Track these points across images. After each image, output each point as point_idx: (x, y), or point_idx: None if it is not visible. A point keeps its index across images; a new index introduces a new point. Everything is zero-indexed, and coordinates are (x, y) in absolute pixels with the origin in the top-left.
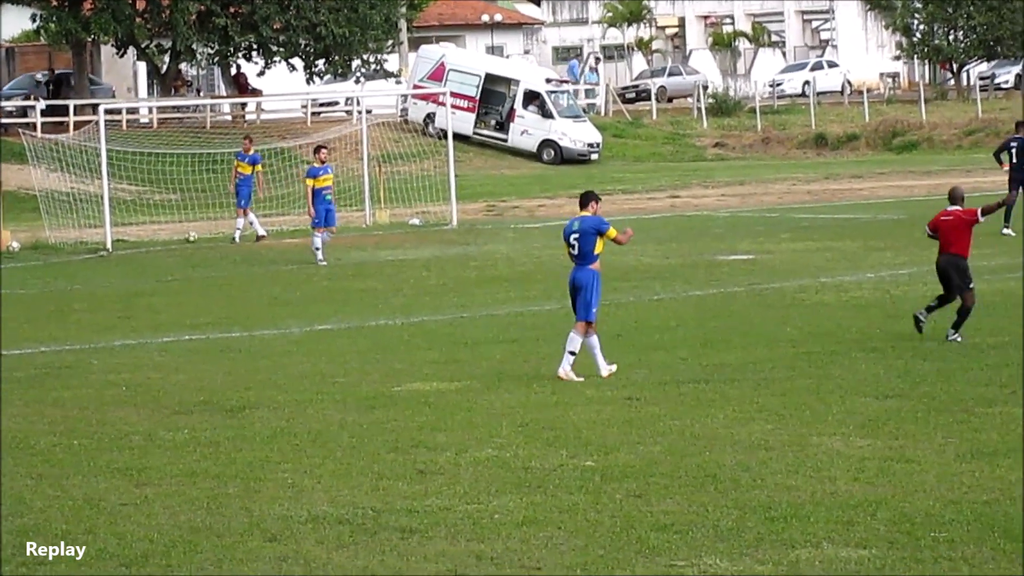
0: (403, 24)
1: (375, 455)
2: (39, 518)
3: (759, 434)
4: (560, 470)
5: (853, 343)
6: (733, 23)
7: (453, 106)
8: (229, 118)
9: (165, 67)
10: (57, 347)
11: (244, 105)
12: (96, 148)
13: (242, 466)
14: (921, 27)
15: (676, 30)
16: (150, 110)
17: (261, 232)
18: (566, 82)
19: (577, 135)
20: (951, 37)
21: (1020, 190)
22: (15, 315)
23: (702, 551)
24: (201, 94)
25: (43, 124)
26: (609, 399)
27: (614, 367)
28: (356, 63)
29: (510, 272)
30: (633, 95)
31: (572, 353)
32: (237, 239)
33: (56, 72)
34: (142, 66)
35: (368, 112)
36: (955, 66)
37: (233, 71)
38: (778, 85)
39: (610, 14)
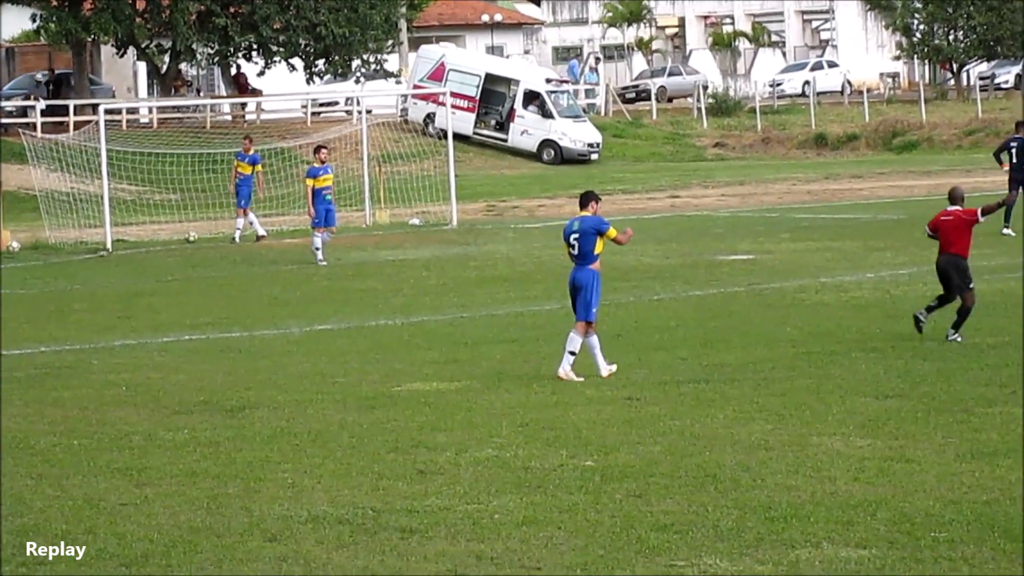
0: (403, 24)
1: (375, 455)
2: (39, 518)
3: (759, 434)
4: (560, 470)
5: (853, 343)
6: (733, 23)
7: (453, 106)
8: (229, 118)
9: (165, 67)
10: (57, 347)
11: (244, 105)
12: (96, 148)
13: (242, 466)
14: (921, 27)
15: (676, 30)
16: (150, 110)
17: (261, 232)
18: (566, 82)
19: (577, 135)
20: (951, 37)
21: (1020, 190)
22: (15, 315)
23: (702, 551)
24: (201, 94)
25: (43, 124)
26: (609, 399)
27: (614, 367)
28: (356, 63)
29: (510, 272)
30: (633, 95)
31: (572, 353)
32: (237, 239)
33: (56, 72)
34: (142, 66)
35: (368, 112)
36: (955, 66)
37: (233, 71)
38: (778, 85)
39: (610, 14)
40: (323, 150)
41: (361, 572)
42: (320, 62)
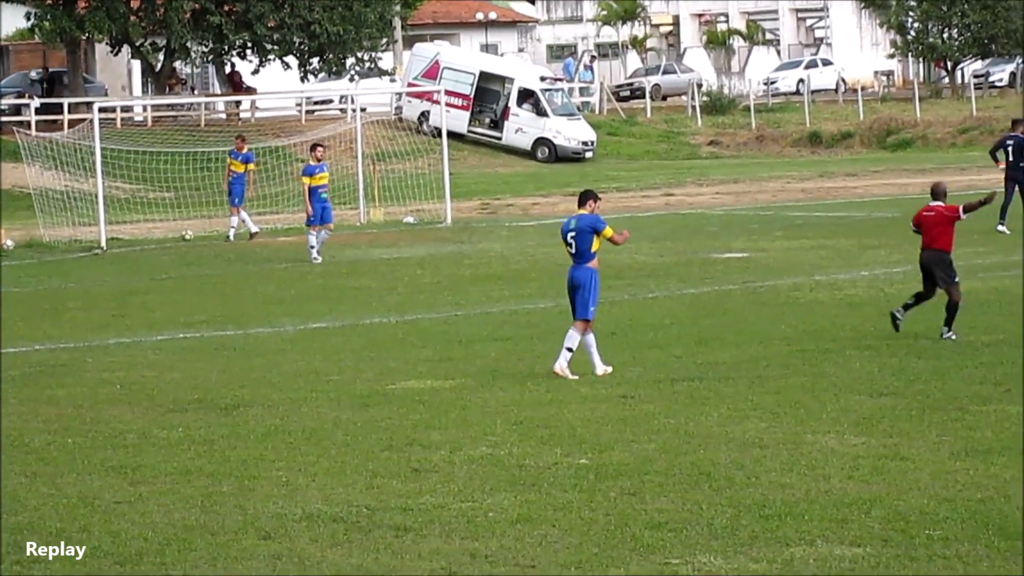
0: (397, 22)
1: (369, 453)
2: (33, 516)
3: (753, 432)
4: (554, 468)
5: (847, 341)
6: (727, 21)
7: (447, 104)
8: (223, 116)
9: (159, 65)
10: (52, 345)
11: (238, 103)
12: (90, 146)
13: (236, 464)
14: (915, 25)
15: (670, 28)
16: (144, 108)
17: (254, 229)
18: (560, 80)
19: (571, 133)
20: (945, 35)
21: (1016, 187)
22: (10, 313)
23: (696, 549)
24: (195, 92)
25: (37, 122)
26: (603, 397)
27: (609, 368)
28: (350, 61)
29: (504, 270)
30: (627, 93)
31: (570, 350)
32: (231, 237)
33: (50, 71)
34: (136, 64)
35: (362, 110)
36: (949, 64)
37: (227, 69)
38: (772, 83)
39: (604, 12)
40: (319, 148)
41: (355, 570)
42: (314, 60)
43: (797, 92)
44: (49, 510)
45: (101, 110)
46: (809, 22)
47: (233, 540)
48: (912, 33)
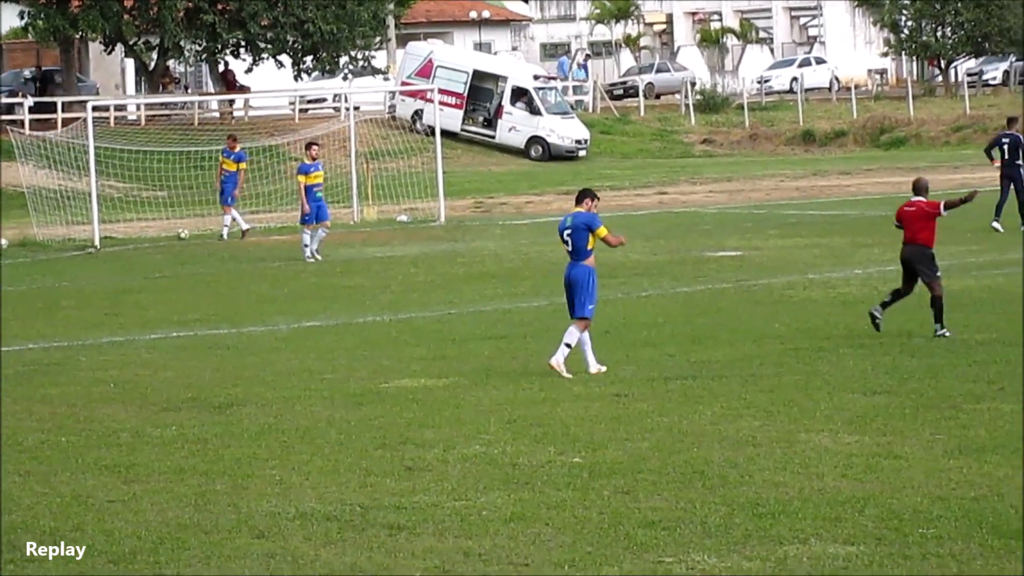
0: (391, 21)
1: (363, 452)
2: (27, 515)
3: (747, 430)
4: (548, 467)
5: (841, 339)
6: (721, 20)
7: (441, 103)
8: (217, 115)
9: (153, 64)
10: (45, 344)
11: (232, 102)
12: (84, 145)
13: (230, 463)
14: (909, 23)
15: (664, 27)
16: (138, 107)
17: (245, 227)
18: (554, 79)
19: (565, 132)
20: (939, 33)
21: (1011, 185)
22: (4, 312)
23: (690, 547)
24: (189, 91)
25: (31, 121)
26: (597, 395)
27: (603, 368)
28: (344, 60)
29: (498, 268)
30: (621, 92)
31: (568, 345)
32: (225, 236)
33: (43, 69)
34: (130, 63)
35: (356, 109)
36: (943, 62)
37: (221, 68)
38: (766, 82)
39: (598, 11)
40: (315, 147)
41: (349, 569)
42: (308, 59)
43: (790, 90)
44: (43, 509)
45: (95, 109)
46: (802, 20)
47: (227, 539)
48: (905, 31)
